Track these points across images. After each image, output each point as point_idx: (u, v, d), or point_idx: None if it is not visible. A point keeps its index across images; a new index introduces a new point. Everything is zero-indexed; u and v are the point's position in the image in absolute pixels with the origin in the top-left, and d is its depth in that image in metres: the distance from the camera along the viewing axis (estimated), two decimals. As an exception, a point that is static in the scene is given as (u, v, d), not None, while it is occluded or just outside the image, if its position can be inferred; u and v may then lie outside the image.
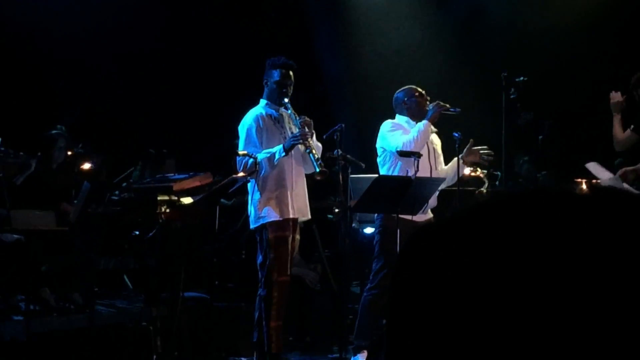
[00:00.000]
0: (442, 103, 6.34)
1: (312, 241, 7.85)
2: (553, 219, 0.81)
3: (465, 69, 10.46)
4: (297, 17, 10.97)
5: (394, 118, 6.59)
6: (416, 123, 6.36)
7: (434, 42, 10.94)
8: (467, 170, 6.61)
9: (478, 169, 6.61)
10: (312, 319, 7.69)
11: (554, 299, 0.78)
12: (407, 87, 6.62)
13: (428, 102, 6.43)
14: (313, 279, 7.88)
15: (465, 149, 6.37)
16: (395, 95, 6.64)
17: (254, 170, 5.72)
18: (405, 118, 6.43)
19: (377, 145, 6.44)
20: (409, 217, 6.09)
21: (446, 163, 6.64)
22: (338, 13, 11.30)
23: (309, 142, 5.81)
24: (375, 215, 6.47)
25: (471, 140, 6.36)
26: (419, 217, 6.15)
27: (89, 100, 9.51)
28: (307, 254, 7.96)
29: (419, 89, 6.55)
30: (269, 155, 5.81)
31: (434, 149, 6.48)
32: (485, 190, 6.86)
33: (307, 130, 5.84)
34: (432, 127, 6.43)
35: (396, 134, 6.29)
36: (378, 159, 6.47)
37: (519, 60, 9.39)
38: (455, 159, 6.40)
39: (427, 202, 6.33)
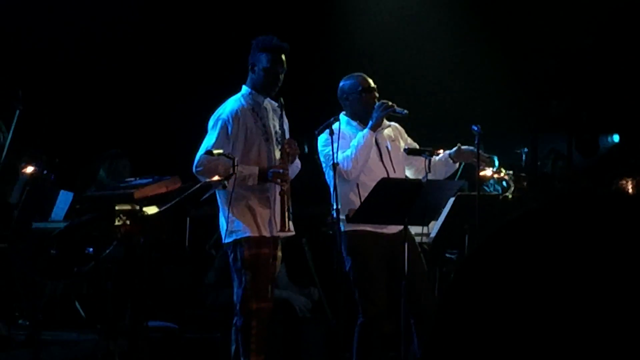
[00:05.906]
0: (388, 104, 6.00)
1: (302, 259, 7.80)
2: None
3: (480, 37, 9.67)
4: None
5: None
6: (358, 124, 6.12)
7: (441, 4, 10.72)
8: (489, 172, 6.58)
9: (502, 169, 6.58)
10: (301, 354, 7.59)
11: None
12: (354, 75, 6.21)
13: (377, 100, 6.09)
14: (304, 306, 7.81)
15: (454, 150, 6.17)
16: (339, 84, 6.25)
17: (231, 175, 5.56)
18: (346, 119, 6.15)
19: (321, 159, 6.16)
20: (380, 229, 6.02)
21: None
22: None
23: (285, 190, 5.66)
24: (341, 229, 6.14)
25: (458, 144, 6.16)
26: (390, 229, 6.06)
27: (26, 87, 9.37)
28: (298, 276, 7.89)
29: (369, 81, 6.14)
30: (240, 175, 5.64)
31: (387, 147, 6.18)
32: (510, 196, 6.81)
33: (284, 171, 5.65)
34: (385, 120, 6.12)
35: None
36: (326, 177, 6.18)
37: (550, 32, 9.04)
38: (445, 153, 6.21)
39: (441, 211, 6.34)
